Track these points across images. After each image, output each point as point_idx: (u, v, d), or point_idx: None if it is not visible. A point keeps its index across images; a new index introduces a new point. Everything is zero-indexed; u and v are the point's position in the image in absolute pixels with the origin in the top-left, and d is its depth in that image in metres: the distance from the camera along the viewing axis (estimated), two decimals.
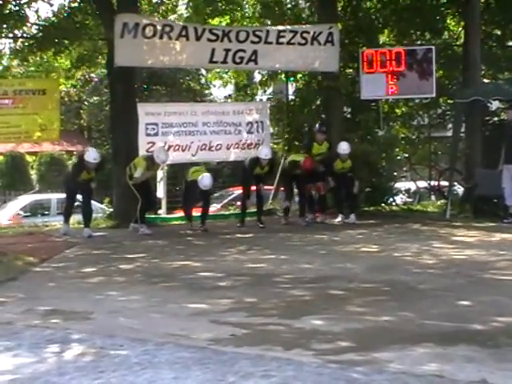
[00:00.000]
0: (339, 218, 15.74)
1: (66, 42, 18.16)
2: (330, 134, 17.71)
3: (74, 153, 33.20)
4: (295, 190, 16.28)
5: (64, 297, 7.23)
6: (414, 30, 20.03)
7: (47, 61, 20.17)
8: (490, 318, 5.82)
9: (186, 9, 20.90)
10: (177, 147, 17.30)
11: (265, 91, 23.01)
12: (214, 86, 29.66)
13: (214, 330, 5.54)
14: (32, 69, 21.31)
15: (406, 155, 21.18)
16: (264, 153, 15.21)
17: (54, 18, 18.47)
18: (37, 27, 18.46)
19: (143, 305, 6.70)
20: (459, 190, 18.77)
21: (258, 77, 22.66)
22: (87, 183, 14.10)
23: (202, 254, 10.82)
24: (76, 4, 18.63)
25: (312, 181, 15.62)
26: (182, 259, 10.32)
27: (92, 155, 14.06)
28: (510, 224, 14.10)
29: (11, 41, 18.75)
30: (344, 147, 15.52)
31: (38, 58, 19.67)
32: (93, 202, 15.78)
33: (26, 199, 23.19)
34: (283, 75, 20.72)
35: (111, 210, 18.25)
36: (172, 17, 21.10)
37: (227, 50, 16.87)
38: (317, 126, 16.82)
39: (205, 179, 14.42)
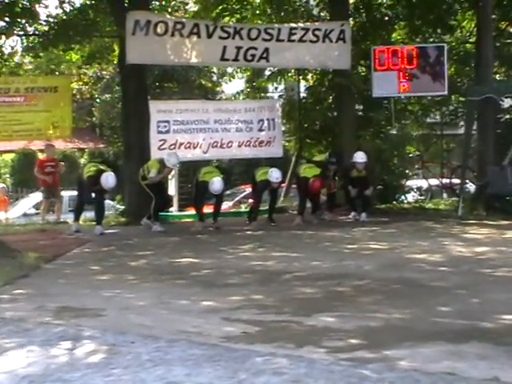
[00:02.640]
0: (351, 215, 15.74)
1: (78, 38, 18.17)
2: (342, 132, 17.75)
3: (86, 150, 33.29)
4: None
5: (76, 294, 7.24)
6: (426, 27, 19.96)
7: (57, 55, 20.18)
8: (502, 315, 5.81)
9: (195, 4, 20.93)
10: (188, 144, 17.30)
11: (276, 88, 23.01)
12: (226, 83, 29.74)
13: (226, 327, 5.54)
14: (42, 61, 21.31)
15: (418, 153, 21.14)
16: (275, 176, 14.91)
17: (64, 16, 18.47)
18: (47, 24, 18.46)
19: (155, 302, 6.70)
20: (471, 187, 18.72)
21: (268, 73, 22.62)
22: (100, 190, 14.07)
23: (213, 252, 10.83)
24: (87, 1, 18.64)
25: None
26: (193, 256, 10.34)
27: (109, 183, 13.75)
28: None
29: (23, 38, 18.76)
30: (361, 156, 15.47)
31: (49, 53, 19.67)
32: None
33: (37, 196, 23.17)
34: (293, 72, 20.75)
35: (123, 207, 18.28)
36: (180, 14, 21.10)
37: (239, 48, 16.89)
38: (327, 155, 16.65)
39: (215, 184, 14.33)
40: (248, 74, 22.65)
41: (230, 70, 25.24)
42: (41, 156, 28.25)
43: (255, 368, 4.36)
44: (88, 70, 23.96)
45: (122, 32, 16.09)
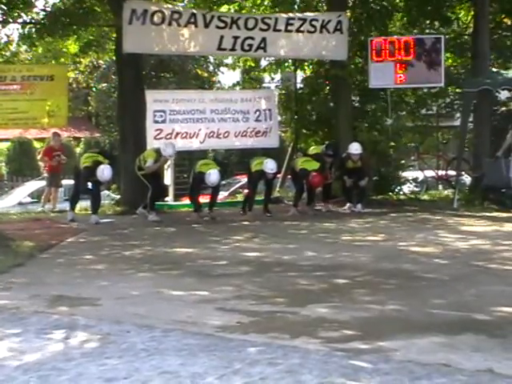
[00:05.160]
0: (347, 206, 15.73)
1: (74, 27, 18.11)
2: (339, 123, 17.72)
3: (82, 139, 33.24)
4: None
5: (71, 283, 7.24)
6: (423, 19, 19.91)
7: (55, 45, 20.11)
8: (497, 307, 5.82)
9: None
10: (184, 134, 17.28)
11: (272, 79, 22.95)
12: (223, 72, 29.69)
13: (221, 318, 5.54)
14: (40, 52, 21.24)
15: (414, 144, 21.10)
16: (269, 167, 14.84)
17: (60, 4, 18.39)
18: (44, 13, 18.40)
19: (150, 291, 6.70)
20: (467, 179, 18.72)
21: (265, 63, 22.53)
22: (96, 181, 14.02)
23: (208, 242, 10.83)
24: None
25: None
26: (188, 246, 10.33)
27: (104, 175, 13.71)
28: None
29: (19, 26, 18.68)
30: (355, 147, 15.46)
31: (45, 43, 19.59)
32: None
33: (33, 185, 23.17)
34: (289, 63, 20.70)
35: (118, 196, 18.25)
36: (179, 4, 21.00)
37: (236, 38, 16.83)
38: (324, 148, 16.59)
39: (212, 176, 14.29)
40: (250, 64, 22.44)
41: (230, 61, 25.13)
42: (38, 145, 28.35)
43: (250, 358, 4.36)
44: (84, 60, 23.80)
45: (119, 21, 16.03)
